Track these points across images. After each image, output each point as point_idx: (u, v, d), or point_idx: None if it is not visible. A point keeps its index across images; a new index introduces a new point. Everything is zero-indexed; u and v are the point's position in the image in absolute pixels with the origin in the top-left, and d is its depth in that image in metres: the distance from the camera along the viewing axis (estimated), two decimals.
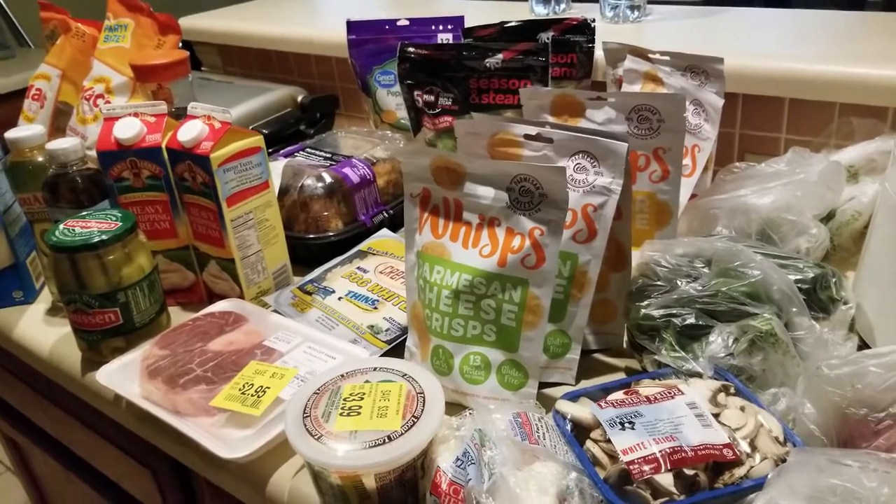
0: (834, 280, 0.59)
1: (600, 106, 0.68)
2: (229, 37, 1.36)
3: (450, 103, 0.87)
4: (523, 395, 0.59)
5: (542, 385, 0.63)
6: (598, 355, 0.67)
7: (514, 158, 0.64)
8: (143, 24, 0.96)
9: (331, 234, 0.85)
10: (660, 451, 0.45)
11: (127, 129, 0.74)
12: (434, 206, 0.62)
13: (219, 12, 1.43)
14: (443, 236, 0.61)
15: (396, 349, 0.67)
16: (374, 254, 0.81)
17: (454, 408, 0.59)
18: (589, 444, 0.49)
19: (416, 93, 0.88)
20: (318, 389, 0.54)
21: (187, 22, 1.41)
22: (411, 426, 0.50)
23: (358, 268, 0.79)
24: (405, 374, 0.55)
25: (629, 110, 0.67)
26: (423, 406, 0.51)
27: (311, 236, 0.84)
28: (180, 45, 1.48)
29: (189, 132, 0.72)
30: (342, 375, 0.55)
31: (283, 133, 1.10)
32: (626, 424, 0.47)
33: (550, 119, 0.71)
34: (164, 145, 0.74)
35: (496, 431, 0.47)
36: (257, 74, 1.38)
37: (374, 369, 0.56)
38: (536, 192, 0.56)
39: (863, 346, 0.61)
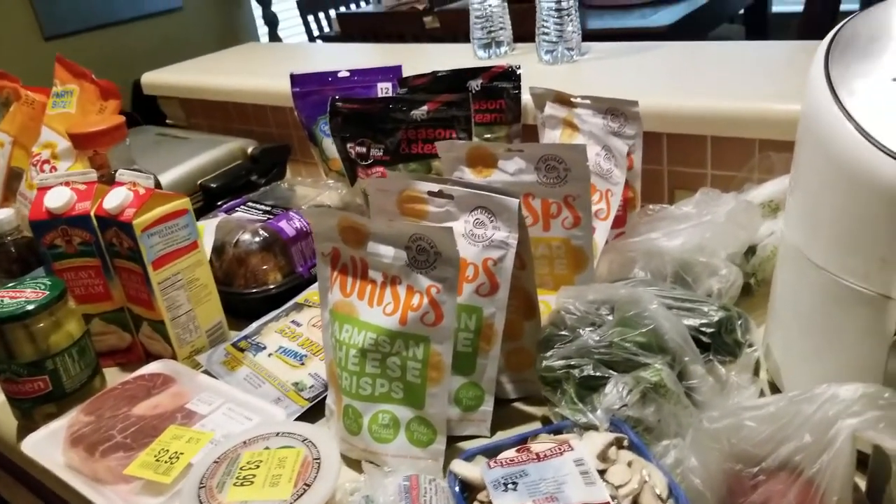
0: (739, 322, 0.60)
1: (511, 157, 0.69)
2: (189, 90, 1.40)
3: (381, 154, 0.88)
4: (433, 452, 0.59)
5: (458, 438, 0.63)
6: (517, 404, 0.67)
7: (420, 215, 0.65)
8: (87, 89, 0.99)
9: (270, 286, 0.86)
10: None
11: (57, 199, 0.76)
12: (343, 264, 0.63)
13: (179, 66, 1.46)
14: (351, 294, 0.62)
15: (319, 406, 0.67)
16: (309, 306, 0.82)
17: (366, 466, 0.59)
18: None
19: (348, 145, 0.90)
20: (219, 458, 0.54)
21: (149, 77, 1.44)
22: (301, 495, 0.50)
23: (292, 321, 0.80)
24: (306, 440, 0.55)
25: (537, 160, 0.68)
26: (318, 473, 0.52)
27: (246, 292, 0.85)
28: (156, 96, 1.51)
29: (114, 200, 0.73)
30: (244, 443, 0.56)
31: (233, 185, 1.11)
32: (510, 485, 0.47)
33: (467, 170, 0.72)
34: (92, 213, 0.76)
35: (384, 497, 0.48)
36: (218, 125, 1.41)
37: (277, 434, 0.56)
38: (431, 251, 0.57)
39: (773, 389, 0.61)
